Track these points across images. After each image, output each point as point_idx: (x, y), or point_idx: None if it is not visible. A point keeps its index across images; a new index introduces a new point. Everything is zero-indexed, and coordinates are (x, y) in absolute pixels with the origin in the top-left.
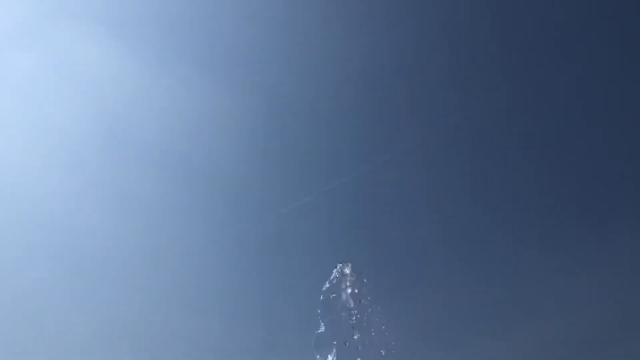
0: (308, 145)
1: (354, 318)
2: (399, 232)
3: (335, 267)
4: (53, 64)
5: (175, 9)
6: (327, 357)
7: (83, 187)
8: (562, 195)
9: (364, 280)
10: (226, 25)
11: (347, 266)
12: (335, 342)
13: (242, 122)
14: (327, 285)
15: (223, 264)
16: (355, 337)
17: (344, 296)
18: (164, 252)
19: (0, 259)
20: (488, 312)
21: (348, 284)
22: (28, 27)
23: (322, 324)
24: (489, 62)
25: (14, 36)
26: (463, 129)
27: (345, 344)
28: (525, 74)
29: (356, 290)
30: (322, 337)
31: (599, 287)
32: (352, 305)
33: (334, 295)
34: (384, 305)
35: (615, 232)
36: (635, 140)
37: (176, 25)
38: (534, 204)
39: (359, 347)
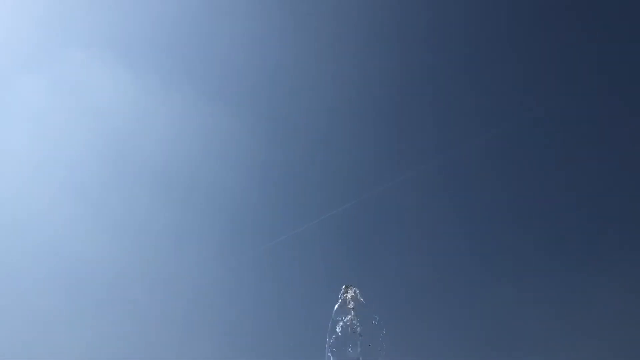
0: (309, 172)
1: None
2: (396, 260)
3: (343, 291)
4: (61, 89)
5: (180, 36)
6: None
7: (88, 211)
8: (558, 220)
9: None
10: (231, 51)
11: (353, 289)
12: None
13: (246, 147)
14: (336, 306)
15: (226, 287)
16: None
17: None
18: (167, 277)
19: (8, 284)
20: (484, 339)
21: (352, 305)
22: (37, 53)
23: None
24: (488, 97)
25: (23, 62)
26: (459, 161)
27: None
28: (522, 111)
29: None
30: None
31: (600, 323)
32: (357, 326)
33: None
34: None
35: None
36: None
37: (181, 52)
38: (529, 233)
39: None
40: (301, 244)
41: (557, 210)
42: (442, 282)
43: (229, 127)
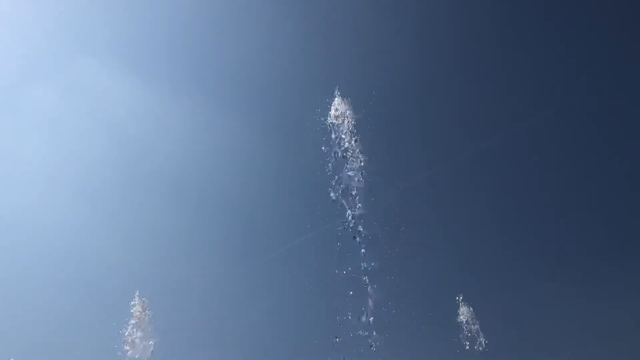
0: (320, 176)
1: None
2: (407, 261)
3: None
4: (72, 97)
5: (191, 43)
6: None
7: (101, 216)
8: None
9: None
10: (242, 57)
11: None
12: None
13: (257, 152)
14: None
15: (237, 292)
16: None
17: None
18: (179, 281)
19: (21, 290)
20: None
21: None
22: (50, 62)
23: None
24: (495, 100)
25: (38, 70)
26: (472, 162)
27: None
28: (540, 110)
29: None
30: None
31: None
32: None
33: None
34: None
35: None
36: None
37: (192, 58)
38: (546, 237)
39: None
40: (313, 248)
41: (569, 210)
42: (450, 282)
43: (240, 132)
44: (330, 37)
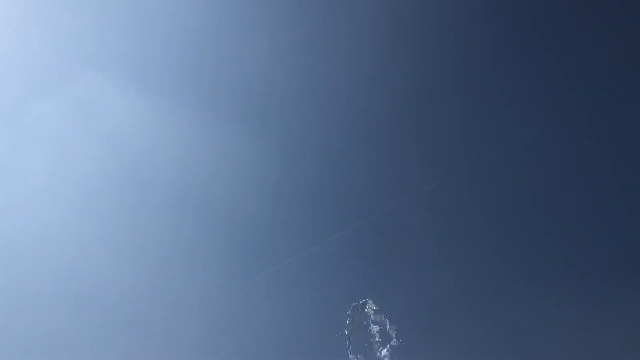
0: (321, 190)
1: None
2: (408, 279)
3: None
4: (74, 111)
5: (192, 58)
6: None
7: (101, 232)
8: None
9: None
10: (243, 71)
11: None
12: None
13: (258, 166)
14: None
15: (237, 309)
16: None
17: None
18: (178, 297)
19: (19, 307)
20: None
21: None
22: (50, 76)
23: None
24: (497, 111)
25: (36, 85)
26: (471, 177)
27: None
28: (534, 123)
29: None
30: None
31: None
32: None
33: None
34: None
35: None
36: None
37: (192, 72)
38: (544, 248)
39: None
40: (314, 263)
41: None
42: (459, 298)
43: (241, 146)
44: (330, 47)
